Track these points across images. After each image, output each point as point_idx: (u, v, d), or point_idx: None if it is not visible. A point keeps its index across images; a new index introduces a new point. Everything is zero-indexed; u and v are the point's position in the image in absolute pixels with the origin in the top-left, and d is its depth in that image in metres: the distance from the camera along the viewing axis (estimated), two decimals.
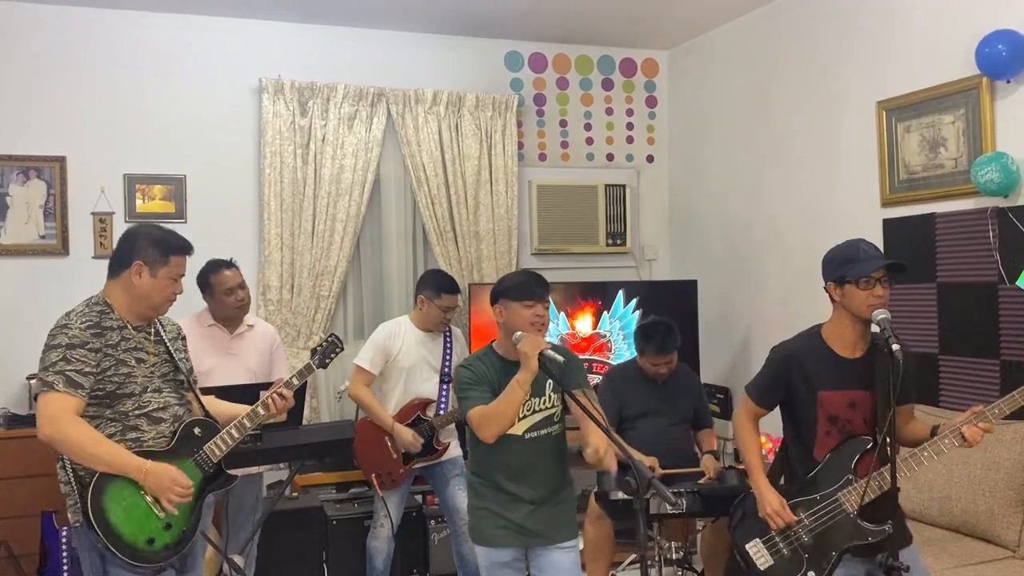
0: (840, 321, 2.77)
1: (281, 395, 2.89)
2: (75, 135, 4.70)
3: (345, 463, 4.63)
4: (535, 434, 2.94)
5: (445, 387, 4.13)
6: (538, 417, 2.95)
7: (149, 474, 2.55)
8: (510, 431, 2.88)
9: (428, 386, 4.12)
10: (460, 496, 4.08)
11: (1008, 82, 3.58)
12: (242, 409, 2.87)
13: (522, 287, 2.93)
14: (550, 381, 2.92)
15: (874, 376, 2.73)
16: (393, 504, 4.09)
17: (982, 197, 3.66)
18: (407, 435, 3.97)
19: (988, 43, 3.54)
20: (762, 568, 2.77)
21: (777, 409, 2.93)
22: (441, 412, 4.09)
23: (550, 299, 3.00)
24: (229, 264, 3.82)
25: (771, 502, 2.75)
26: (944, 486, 3.55)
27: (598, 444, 2.74)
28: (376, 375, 4.10)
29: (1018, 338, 3.55)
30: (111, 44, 4.77)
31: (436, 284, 4.11)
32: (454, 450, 4.16)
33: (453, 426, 4.21)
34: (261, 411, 2.84)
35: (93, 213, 4.72)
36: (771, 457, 3.33)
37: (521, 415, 2.90)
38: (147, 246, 2.67)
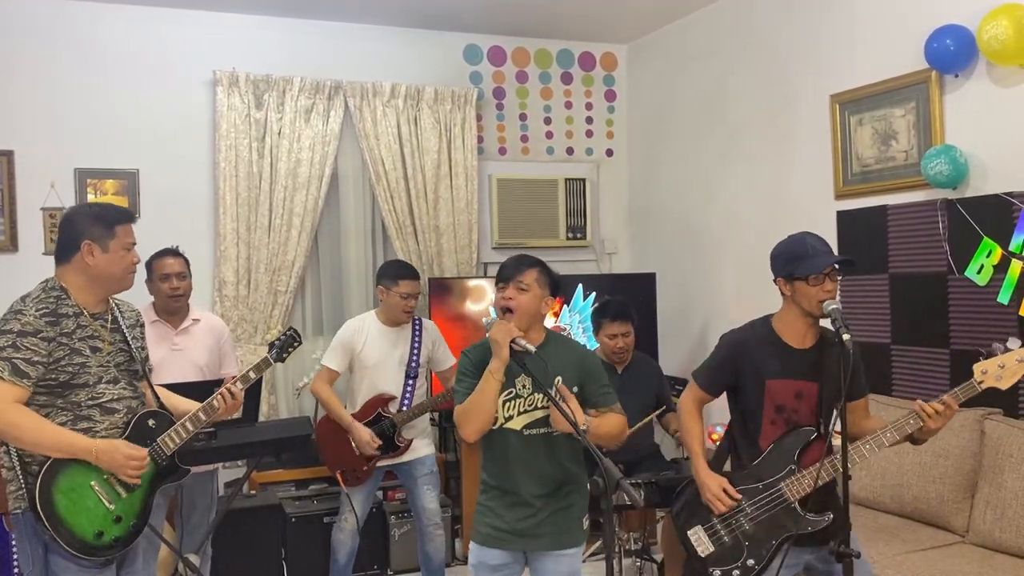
0: (790, 313, 2.81)
1: (231, 393, 2.81)
2: (23, 128, 4.59)
3: (304, 460, 4.59)
4: (536, 431, 2.72)
5: (411, 382, 4.04)
6: (541, 414, 2.72)
7: (101, 453, 2.51)
8: (508, 425, 2.72)
9: (393, 382, 4.03)
10: (428, 496, 4.03)
11: (956, 76, 3.65)
12: (194, 405, 2.81)
13: (500, 271, 2.80)
14: (559, 377, 2.69)
15: (822, 368, 2.76)
16: (359, 500, 4.04)
17: (932, 189, 3.72)
18: (364, 435, 3.91)
19: (936, 38, 3.60)
20: (703, 555, 2.79)
21: (724, 397, 2.95)
22: (404, 408, 4.02)
23: (529, 280, 2.72)
24: (175, 253, 3.78)
25: (711, 487, 2.77)
26: (896, 474, 3.62)
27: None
28: (339, 373, 4.04)
29: (967, 328, 3.62)
30: (60, 35, 4.67)
31: (394, 272, 4.04)
32: (423, 449, 4.08)
33: (428, 424, 4.16)
34: (216, 404, 2.78)
35: (43, 209, 4.62)
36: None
37: (521, 409, 2.72)
38: (90, 224, 2.62)
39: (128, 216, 2.72)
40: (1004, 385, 2.65)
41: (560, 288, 2.85)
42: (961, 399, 2.66)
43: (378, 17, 5.17)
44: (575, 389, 2.73)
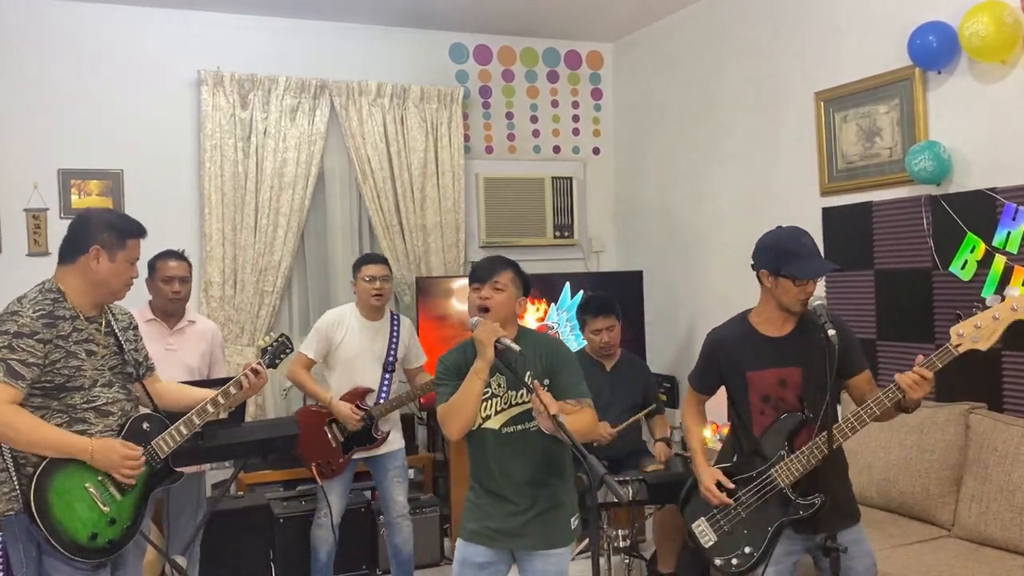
0: (767, 305, 2.84)
1: (255, 371, 2.85)
2: (5, 128, 4.55)
3: (291, 461, 4.57)
4: (513, 428, 2.72)
5: (388, 376, 4.12)
6: (517, 411, 2.72)
7: (96, 452, 2.51)
8: (486, 425, 2.72)
9: (371, 376, 4.08)
10: (399, 488, 4.11)
11: (939, 73, 3.67)
12: (210, 393, 2.81)
13: (471, 272, 2.85)
14: (530, 372, 2.71)
15: (804, 352, 2.75)
16: (335, 494, 4.08)
17: (916, 185, 3.75)
18: (344, 408, 3.97)
19: (919, 35, 3.62)
20: (707, 545, 2.84)
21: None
22: (381, 401, 4.07)
23: (506, 281, 2.77)
24: (180, 256, 3.80)
25: (704, 480, 2.84)
26: (883, 469, 3.63)
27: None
28: (317, 361, 4.08)
29: (951, 323, 3.62)
30: (44, 34, 4.64)
31: (360, 260, 4.17)
32: (396, 442, 4.14)
33: (398, 417, 4.20)
34: (233, 390, 2.80)
35: (26, 210, 4.58)
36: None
37: (499, 408, 2.72)
38: (103, 230, 2.62)
39: (142, 231, 2.73)
40: (983, 346, 2.49)
41: (530, 288, 2.92)
42: (938, 366, 2.56)
43: (363, 16, 5.16)
44: (546, 381, 2.73)
